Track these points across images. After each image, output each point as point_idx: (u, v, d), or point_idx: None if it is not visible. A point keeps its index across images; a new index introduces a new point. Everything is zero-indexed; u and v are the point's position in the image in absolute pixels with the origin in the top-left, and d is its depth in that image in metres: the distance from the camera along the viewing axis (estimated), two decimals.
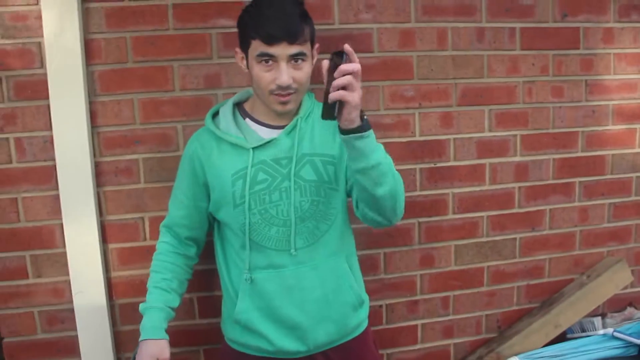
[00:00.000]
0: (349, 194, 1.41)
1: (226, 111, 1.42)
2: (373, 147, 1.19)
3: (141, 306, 1.41)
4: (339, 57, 1.10)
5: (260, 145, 1.35)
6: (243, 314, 1.40)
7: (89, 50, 1.62)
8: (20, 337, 1.71)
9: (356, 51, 1.70)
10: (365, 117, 1.15)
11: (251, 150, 1.34)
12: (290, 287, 1.37)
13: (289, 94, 1.29)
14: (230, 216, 1.38)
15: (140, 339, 1.36)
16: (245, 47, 1.31)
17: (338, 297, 1.41)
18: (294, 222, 1.34)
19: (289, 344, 1.39)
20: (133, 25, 1.63)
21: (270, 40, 1.23)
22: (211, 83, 1.69)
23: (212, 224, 1.51)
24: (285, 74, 1.25)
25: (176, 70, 1.67)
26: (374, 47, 1.79)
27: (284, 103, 1.31)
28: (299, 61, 1.27)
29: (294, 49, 1.25)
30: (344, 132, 1.15)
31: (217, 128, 1.39)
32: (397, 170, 1.30)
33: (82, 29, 1.59)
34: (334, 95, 1.08)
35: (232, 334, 1.46)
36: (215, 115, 1.45)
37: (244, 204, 1.34)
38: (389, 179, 1.23)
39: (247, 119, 1.41)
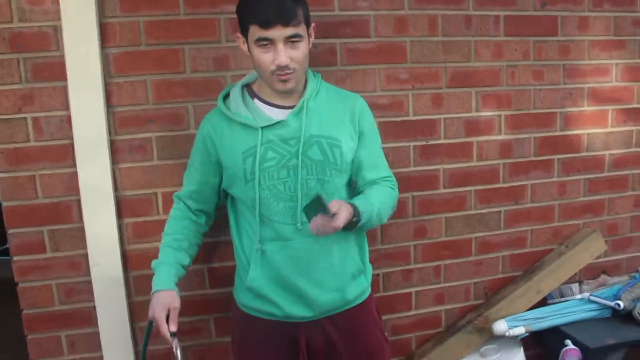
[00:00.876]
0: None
1: (236, 93, 1.49)
2: (370, 222, 1.44)
3: (153, 262, 1.49)
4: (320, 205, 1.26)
5: (269, 125, 1.42)
6: (255, 282, 1.49)
7: (105, 34, 1.69)
8: (38, 309, 1.78)
9: (354, 36, 1.86)
10: (354, 215, 1.36)
11: (260, 130, 1.42)
12: (297, 258, 1.45)
13: (288, 74, 1.37)
14: (242, 191, 1.47)
15: (151, 292, 1.43)
16: (244, 32, 1.38)
17: (341, 267, 1.50)
18: (300, 198, 1.42)
19: (297, 310, 1.48)
20: (146, 10, 1.71)
21: (266, 25, 1.30)
22: (220, 65, 1.78)
23: (224, 198, 1.60)
24: (283, 55, 1.33)
25: (187, 53, 1.75)
26: (371, 32, 1.90)
27: (285, 81, 1.38)
28: (295, 42, 1.34)
29: (290, 31, 1.32)
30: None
31: (228, 109, 1.47)
32: (393, 176, 1.61)
33: (98, 13, 1.67)
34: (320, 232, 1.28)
35: (245, 300, 1.55)
36: (226, 97, 1.53)
37: (254, 180, 1.42)
38: (387, 215, 1.55)
39: (256, 100, 1.48)
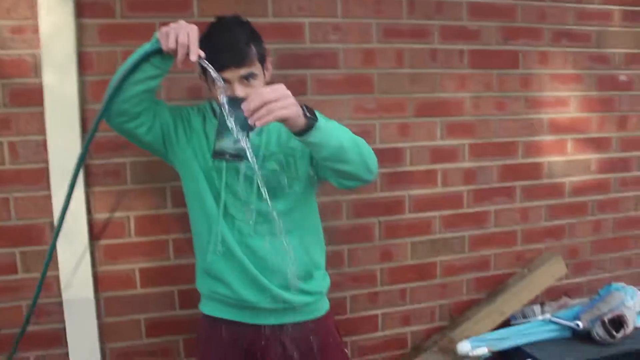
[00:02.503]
0: (319, 176, 1.54)
1: (208, 112, 1.57)
2: (329, 132, 1.26)
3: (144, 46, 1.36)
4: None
5: None
6: (213, 264, 1.53)
7: (83, 62, 1.75)
8: (8, 329, 1.78)
9: (324, 67, 1.95)
10: (304, 108, 1.21)
11: None
12: (251, 251, 1.51)
13: None
14: (202, 185, 1.51)
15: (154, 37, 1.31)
16: (204, 72, 1.42)
17: (285, 268, 1.50)
18: (255, 202, 1.48)
19: (249, 295, 1.52)
20: (124, 40, 1.77)
21: (221, 68, 1.35)
22: (194, 94, 1.85)
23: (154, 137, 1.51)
24: (238, 92, 1.39)
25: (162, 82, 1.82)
26: (340, 64, 1.99)
27: None
28: (250, 80, 1.41)
29: (244, 71, 1.39)
30: (296, 134, 1.24)
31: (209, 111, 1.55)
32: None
33: (77, 43, 1.73)
34: (269, 119, 1.15)
35: (204, 286, 1.60)
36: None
37: (220, 180, 1.48)
38: (354, 151, 1.33)
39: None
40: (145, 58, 1.31)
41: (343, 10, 1.98)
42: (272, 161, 1.50)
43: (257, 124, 1.16)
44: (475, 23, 2.15)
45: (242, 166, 1.46)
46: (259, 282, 1.52)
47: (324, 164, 1.37)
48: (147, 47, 1.31)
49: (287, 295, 1.55)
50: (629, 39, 2.39)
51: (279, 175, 1.50)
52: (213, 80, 1.32)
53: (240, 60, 1.38)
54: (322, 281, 1.65)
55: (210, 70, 1.26)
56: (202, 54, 1.25)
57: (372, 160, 1.40)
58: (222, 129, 1.24)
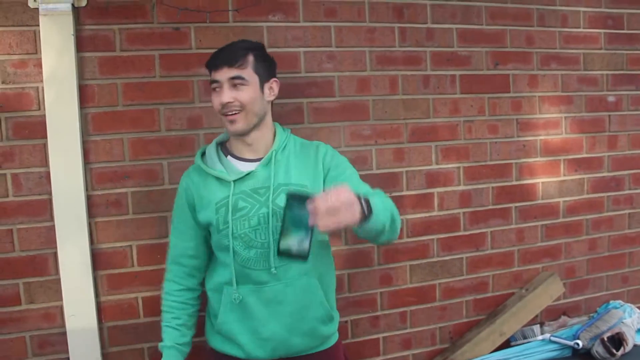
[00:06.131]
0: None
1: (211, 150, 1.59)
2: (376, 219, 1.27)
3: (159, 345, 1.56)
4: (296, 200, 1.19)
5: (240, 178, 1.51)
6: (225, 325, 1.54)
7: (84, 95, 1.80)
8: None
9: (320, 96, 2.00)
10: (362, 203, 1.21)
11: (232, 183, 1.50)
12: (268, 300, 1.51)
13: (234, 114, 1.47)
14: (215, 240, 1.54)
15: None
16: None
17: (309, 312, 1.55)
18: (272, 244, 1.49)
19: (261, 353, 1.53)
20: (124, 73, 1.83)
21: (214, 67, 1.46)
22: (193, 124, 1.89)
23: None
24: (225, 94, 1.45)
25: (162, 112, 1.87)
26: (336, 92, 2.04)
27: (232, 122, 1.48)
28: (238, 85, 1.45)
29: (233, 72, 1.44)
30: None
31: (205, 164, 1.56)
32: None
33: (78, 76, 1.78)
34: (329, 227, 1.13)
35: (214, 343, 1.60)
36: (203, 154, 1.61)
37: (227, 229, 1.49)
38: (391, 228, 1.38)
39: (229, 156, 1.58)
40: None
41: (336, 39, 2.04)
42: (282, 195, 1.47)
43: (321, 228, 1.14)
44: (465, 49, 2.21)
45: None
46: (275, 340, 1.52)
47: (361, 237, 1.39)
48: None
49: (305, 345, 1.56)
50: (614, 60, 2.46)
51: None
52: None
53: (233, 60, 1.44)
54: (337, 320, 1.66)
55: None
56: None
57: (399, 225, 1.45)
58: (287, 228, 1.20)
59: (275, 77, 1.55)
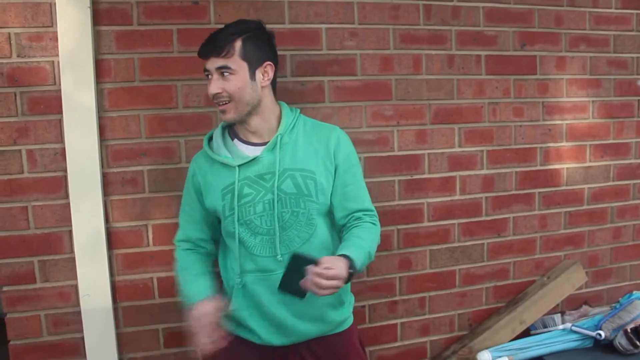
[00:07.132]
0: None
1: (217, 134, 1.56)
2: (358, 269, 1.39)
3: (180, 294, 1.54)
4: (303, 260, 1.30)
5: (245, 163, 1.47)
6: (236, 312, 1.52)
7: (100, 69, 1.75)
8: (26, 339, 1.78)
9: (341, 74, 1.94)
10: (350, 265, 1.34)
11: (237, 168, 1.47)
12: (276, 287, 1.44)
13: (223, 103, 1.44)
14: (223, 226, 1.52)
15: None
16: None
17: (320, 298, 1.48)
18: (278, 231, 1.47)
19: (275, 339, 1.51)
20: (141, 48, 1.78)
21: (203, 56, 1.44)
22: (211, 101, 1.79)
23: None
24: (213, 84, 1.42)
25: (180, 89, 1.82)
26: (358, 71, 1.98)
27: (223, 112, 1.46)
28: (225, 74, 1.42)
29: (219, 62, 1.41)
30: None
31: (211, 150, 1.53)
32: (376, 207, 1.58)
33: (94, 50, 1.73)
34: (323, 293, 1.28)
35: (230, 327, 1.55)
36: (211, 139, 1.59)
37: (233, 215, 1.47)
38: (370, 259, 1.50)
39: (236, 140, 1.54)
40: None
41: (360, 16, 1.97)
42: (288, 180, 1.47)
43: (313, 291, 1.28)
44: (492, 28, 2.13)
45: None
46: (286, 326, 1.51)
47: None
48: None
49: (316, 330, 1.54)
50: None
51: (297, 197, 1.48)
52: None
53: (219, 50, 1.40)
54: (350, 304, 1.64)
55: None
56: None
57: (379, 242, 1.59)
58: (287, 281, 1.32)
59: (270, 60, 1.48)
